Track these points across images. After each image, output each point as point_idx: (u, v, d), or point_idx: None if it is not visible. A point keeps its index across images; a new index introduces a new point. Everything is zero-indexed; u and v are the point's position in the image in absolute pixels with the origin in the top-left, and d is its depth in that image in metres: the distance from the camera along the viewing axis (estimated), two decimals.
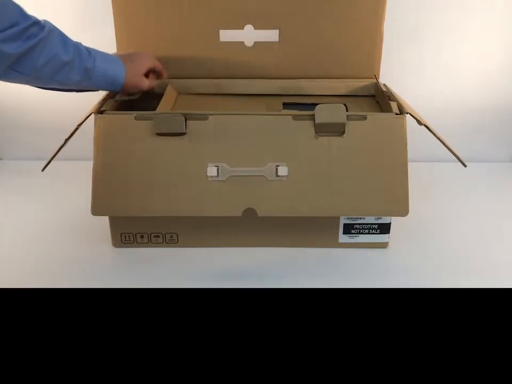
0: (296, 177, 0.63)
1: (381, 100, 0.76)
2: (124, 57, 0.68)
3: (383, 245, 0.70)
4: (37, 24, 0.57)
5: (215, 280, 0.64)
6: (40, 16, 0.58)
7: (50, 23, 0.59)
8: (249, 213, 0.63)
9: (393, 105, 0.67)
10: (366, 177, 0.63)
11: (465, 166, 0.64)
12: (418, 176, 0.87)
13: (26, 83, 0.61)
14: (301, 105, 0.78)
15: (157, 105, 0.71)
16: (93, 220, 0.66)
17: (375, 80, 0.79)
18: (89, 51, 0.63)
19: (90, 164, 0.64)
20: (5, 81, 0.59)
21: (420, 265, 0.67)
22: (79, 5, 0.89)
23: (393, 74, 0.80)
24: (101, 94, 0.71)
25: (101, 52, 0.65)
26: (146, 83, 0.70)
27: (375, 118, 0.63)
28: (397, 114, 0.64)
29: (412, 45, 0.92)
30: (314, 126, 0.63)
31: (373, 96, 0.81)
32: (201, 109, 0.72)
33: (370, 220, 0.68)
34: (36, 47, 0.56)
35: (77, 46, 0.62)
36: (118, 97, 0.71)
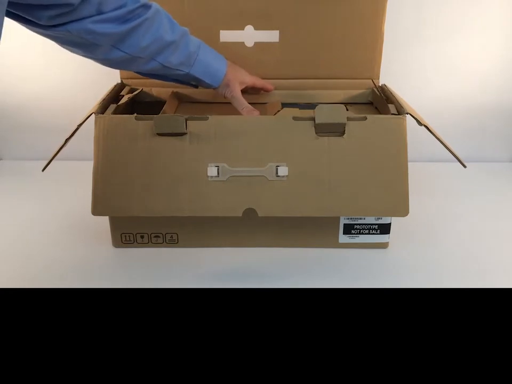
0: (296, 177, 0.63)
1: (379, 104, 0.76)
2: (228, 61, 0.69)
3: (383, 245, 0.70)
4: (144, 6, 0.57)
5: (215, 280, 0.64)
6: None
7: (158, 5, 0.60)
8: (250, 213, 0.63)
9: (391, 107, 0.67)
10: (366, 177, 0.63)
11: (465, 166, 0.64)
12: (418, 176, 0.87)
13: (125, 65, 0.61)
14: (301, 104, 0.79)
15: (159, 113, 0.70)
16: (93, 219, 0.66)
17: (372, 87, 0.79)
18: (197, 40, 0.64)
19: (90, 164, 0.64)
20: (105, 61, 0.59)
21: (420, 265, 0.67)
22: None
23: (393, 74, 0.80)
24: (101, 94, 0.71)
25: (208, 46, 0.66)
26: (239, 94, 0.69)
27: (375, 118, 0.63)
28: (394, 114, 0.64)
29: (412, 45, 0.92)
30: (314, 126, 0.63)
31: (371, 103, 0.81)
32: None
33: (370, 220, 0.68)
34: (140, 26, 0.57)
35: (185, 31, 0.62)
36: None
